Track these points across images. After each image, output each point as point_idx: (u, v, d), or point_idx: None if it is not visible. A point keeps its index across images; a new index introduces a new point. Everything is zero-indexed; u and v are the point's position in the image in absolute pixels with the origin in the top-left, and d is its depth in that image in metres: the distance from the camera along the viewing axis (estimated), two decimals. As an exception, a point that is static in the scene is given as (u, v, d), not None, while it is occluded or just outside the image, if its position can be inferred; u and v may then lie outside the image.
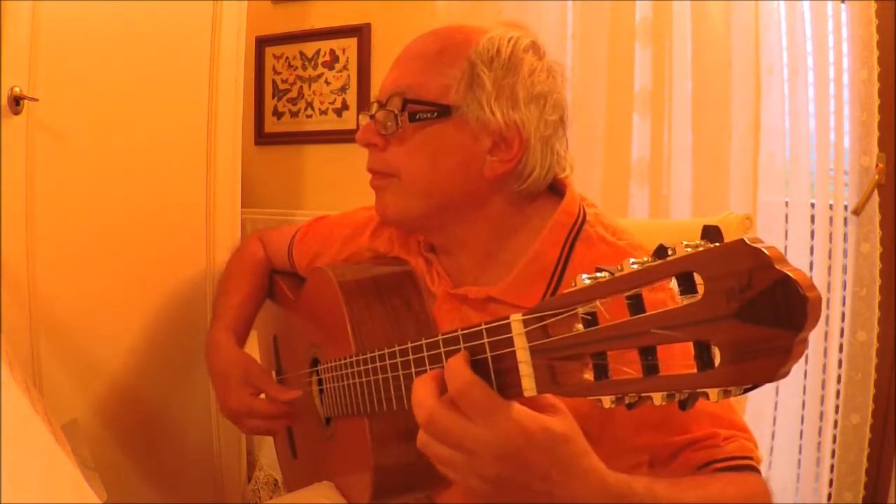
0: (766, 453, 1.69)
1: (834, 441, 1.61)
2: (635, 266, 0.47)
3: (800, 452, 1.66)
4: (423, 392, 0.61)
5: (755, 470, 0.79)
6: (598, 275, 0.50)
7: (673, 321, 0.45)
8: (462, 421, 0.59)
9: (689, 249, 0.45)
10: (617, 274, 0.49)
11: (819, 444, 1.62)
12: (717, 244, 0.44)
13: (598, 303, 0.50)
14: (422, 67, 0.89)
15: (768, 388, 1.66)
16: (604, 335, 0.50)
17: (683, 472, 0.76)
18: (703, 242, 0.45)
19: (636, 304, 0.48)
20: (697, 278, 0.45)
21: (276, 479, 1.72)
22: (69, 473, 0.71)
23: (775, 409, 1.68)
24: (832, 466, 1.62)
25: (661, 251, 0.47)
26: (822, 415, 1.62)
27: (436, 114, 0.87)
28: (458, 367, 0.59)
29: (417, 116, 0.87)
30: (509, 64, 0.87)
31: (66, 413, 1.25)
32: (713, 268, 0.44)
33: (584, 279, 0.51)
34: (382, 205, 0.94)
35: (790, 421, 1.66)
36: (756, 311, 0.42)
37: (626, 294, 0.48)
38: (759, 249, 0.42)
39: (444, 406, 0.60)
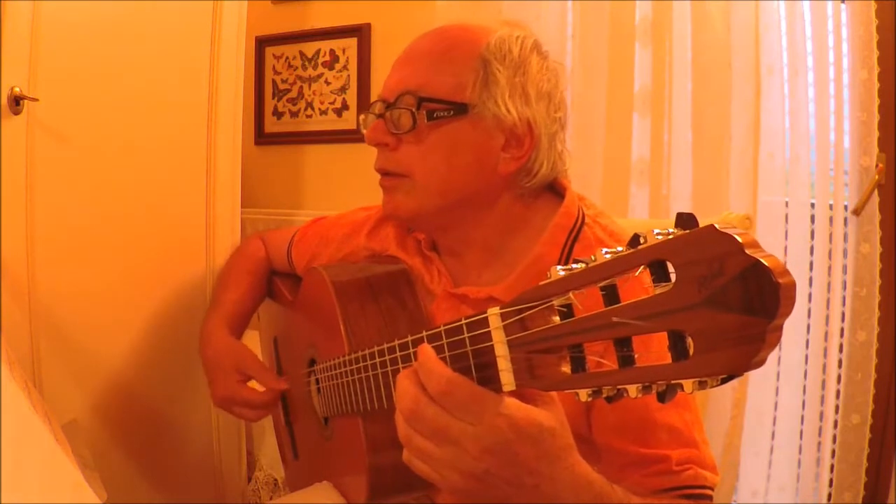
0: (766, 453, 1.68)
1: (834, 441, 1.61)
2: (608, 256, 0.47)
3: (800, 452, 1.65)
4: (407, 383, 0.59)
5: (709, 498, 0.79)
6: (574, 266, 0.49)
7: (644, 311, 0.45)
8: (447, 415, 0.57)
9: (660, 237, 0.44)
10: (590, 265, 0.48)
11: (819, 444, 1.62)
12: (688, 231, 0.43)
13: (571, 294, 0.49)
14: (432, 65, 0.89)
15: (768, 387, 1.67)
16: (578, 327, 0.49)
17: (640, 492, 0.75)
18: (675, 230, 0.44)
19: (610, 295, 0.47)
20: (670, 266, 0.44)
21: (276, 479, 1.72)
22: (69, 473, 0.72)
23: (775, 409, 1.67)
24: (832, 466, 1.61)
25: (634, 240, 0.46)
26: (822, 415, 1.62)
27: (452, 112, 0.87)
28: (434, 367, 0.58)
29: (435, 115, 0.87)
30: (519, 62, 0.88)
31: (66, 413, 1.25)
32: (684, 255, 0.43)
33: (559, 271, 0.50)
34: (393, 204, 0.93)
35: (790, 421, 1.65)
36: (727, 298, 0.41)
37: (601, 285, 0.47)
38: (730, 235, 0.41)
39: (429, 398, 0.58)
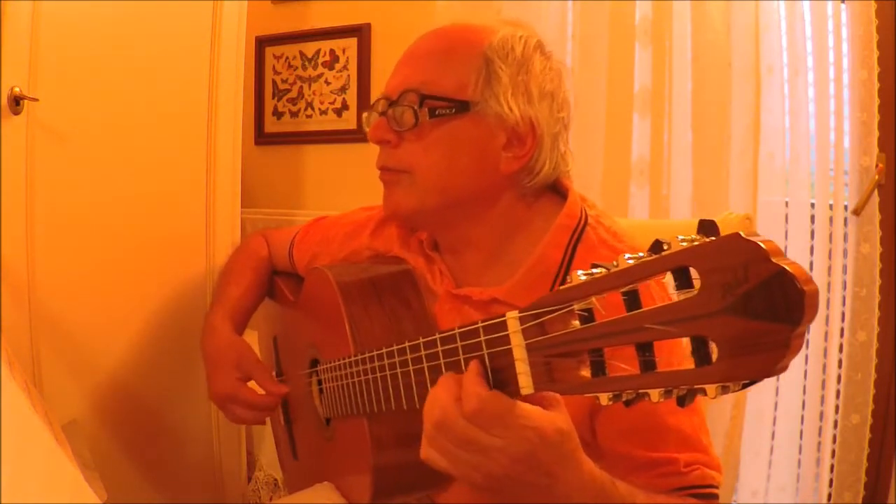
0: (766, 453, 1.68)
1: (834, 441, 1.61)
2: (631, 261, 0.47)
3: (800, 452, 1.65)
4: (441, 392, 0.61)
5: (715, 497, 0.80)
6: (595, 271, 0.50)
7: (669, 316, 0.45)
8: (476, 429, 0.58)
9: (684, 244, 0.45)
10: (612, 270, 0.48)
11: (819, 444, 1.62)
12: (713, 238, 0.44)
13: (593, 299, 0.50)
14: (435, 64, 0.89)
15: (768, 387, 1.67)
16: (600, 331, 0.49)
17: (646, 490, 0.76)
18: (698, 237, 0.44)
19: (632, 300, 0.47)
20: (693, 273, 0.44)
21: (276, 479, 1.72)
22: (69, 473, 0.71)
23: (775, 409, 1.68)
24: (832, 466, 1.62)
25: (656, 246, 0.46)
26: (822, 415, 1.62)
27: (454, 109, 0.87)
28: (468, 386, 0.59)
29: (437, 112, 0.87)
30: (522, 61, 0.88)
31: (66, 413, 1.25)
32: (709, 262, 0.43)
33: (580, 275, 0.51)
34: (393, 200, 0.93)
35: (790, 421, 1.66)
36: (752, 305, 0.42)
37: (622, 290, 0.48)
38: (756, 243, 0.42)
39: (460, 412, 0.59)
